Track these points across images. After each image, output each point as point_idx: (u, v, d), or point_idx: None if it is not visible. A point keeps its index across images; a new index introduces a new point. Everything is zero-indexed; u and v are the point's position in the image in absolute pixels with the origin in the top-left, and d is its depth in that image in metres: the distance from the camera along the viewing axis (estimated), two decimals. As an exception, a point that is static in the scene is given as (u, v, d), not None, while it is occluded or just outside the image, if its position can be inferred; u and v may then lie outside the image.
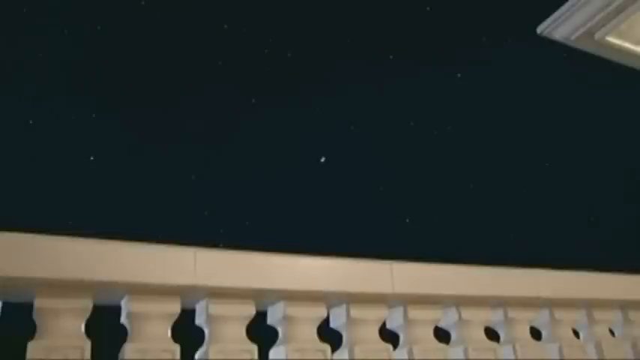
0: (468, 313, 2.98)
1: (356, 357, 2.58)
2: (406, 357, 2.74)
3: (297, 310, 2.54)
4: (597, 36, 4.94)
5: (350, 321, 2.67)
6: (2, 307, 2.15)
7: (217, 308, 2.35)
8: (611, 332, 3.49)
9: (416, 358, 2.72)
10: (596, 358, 3.24)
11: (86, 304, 2.13)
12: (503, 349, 3.03)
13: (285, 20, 20.15)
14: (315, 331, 2.58)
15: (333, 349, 2.61)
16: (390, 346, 2.69)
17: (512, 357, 3.00)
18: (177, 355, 2.20)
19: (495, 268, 3.11)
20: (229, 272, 2.32)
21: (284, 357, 2.44)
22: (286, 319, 2.53)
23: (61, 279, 2.04)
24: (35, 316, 2.10)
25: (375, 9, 19.98)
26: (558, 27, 4.98)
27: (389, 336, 2.82)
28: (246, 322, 2.43)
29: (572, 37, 4.98)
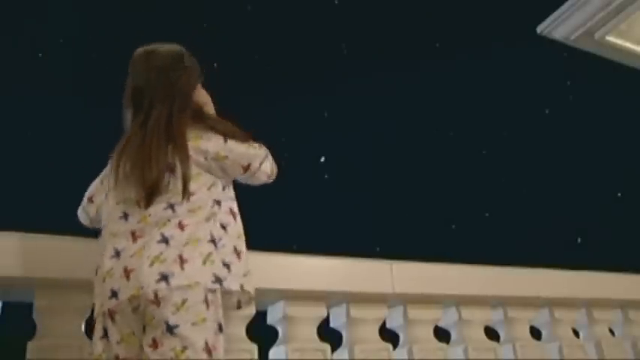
0: (468, 313, 2.98)
1: (356, 357, 2.57)
2: (406, 356, 2.74)
3: (297, 310, 2.54)
4: (597, 35, 4.94)
5: (350, 321, 2.67)
6: (2, 307, 2.15)
7: (217, 308, 2.35)
8: (611, 332, 3.49)
9: (416, 357, 2.72)
10: (596, 357, 3.24)
11: (86, 303, 2.12)
12: (503, 349, 3.03)
13: (283, 19, 20.15)
14: (315, 330, 2.58)
15: (333, 349, 2.61)
16: (390, 346, 2.69)
17: (512, 356, 3.00)
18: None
19: (495, 268, 3.12)
20: (229, 272, 2.31)
21: (284, 356, 2.44)
22: (286, 318, 2.53)
23: (61, 278, 2.03)
24: (35, 316, 2.09)
25: (376, 9, 19.98)
26: (558, 26, 4.98)
27: (389, 335, 2.82)
28: (247, 321, 2.43)
29: (572, 37, 4.98)
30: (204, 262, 1.71)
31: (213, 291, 1.70)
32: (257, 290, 2.42)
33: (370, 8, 19.96)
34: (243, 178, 1.98)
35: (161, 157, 1.79)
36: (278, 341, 2.55)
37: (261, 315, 2.58)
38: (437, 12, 19.45)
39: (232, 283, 1.75)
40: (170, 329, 1.61)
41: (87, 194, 2.03)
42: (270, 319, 2.61)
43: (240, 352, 2.32)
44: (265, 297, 2.52)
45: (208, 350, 1.63)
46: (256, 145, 1.98)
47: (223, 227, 1.81)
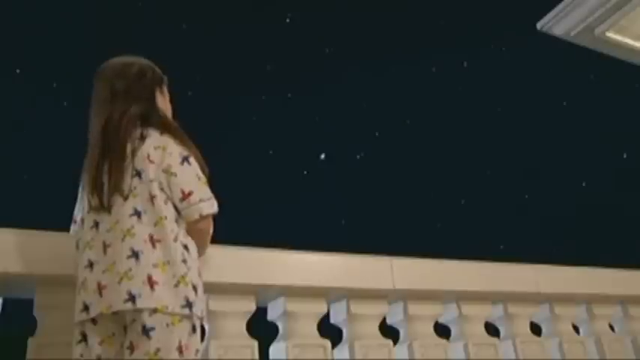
0: (468, 309, 2.99)
1: (356, 352, 2.58)
2: (406, 352, 2.74)
3: (298, 306, 2.54)
4: (597, 32, 4.94)
5: (350, 317, 2.67)
6: (3, 304, 2.16)
7: (218, 304, 2.36)
8: (611, 327, 3.49)
9: (416, 353, 2.72)
10: (596, 353, 3.25)
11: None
12: (504, 345, 3.04)
13: (283, 17, 20.13)
14: (315, 326, 2.58)
15: (334, 345, 2.61)
16: (390, 342, 2.69)
17: (513, 352, 3.01)
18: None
19: (495, 264, 3.12)
20: (230, 268, 2.32)
21: (284, 352, 2.44)
22: (287, 314, 2.53)
23: (62, 275, 2.04)
24: (36, 313, 2.10)
25: (376, 5, 19.95)
26: (558, 23, 4.98)
27: (389, 332, 2.82)
28: (247, 317, 2.43)
29: (572, 33, 4.98)
30: (176, 285, 1.71)
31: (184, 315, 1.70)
32: (257, 286, 2.44)
33: (373, 5, 19.93)
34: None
35: (111, 161, 1.81)
36: (278, 337, 2.56)
37: (261, 311, 2.58)
38: (437, 8, 19.42)
39: (199, 309, 1.76)
40: (146, 332, 1.65)
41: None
42: (271, 315, 2.61)
43: (241, 349, 2.32)
44: (266, 293, 2.52)
45: (180, 349, 1.67)
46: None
47: (186, 248, 1.80)
